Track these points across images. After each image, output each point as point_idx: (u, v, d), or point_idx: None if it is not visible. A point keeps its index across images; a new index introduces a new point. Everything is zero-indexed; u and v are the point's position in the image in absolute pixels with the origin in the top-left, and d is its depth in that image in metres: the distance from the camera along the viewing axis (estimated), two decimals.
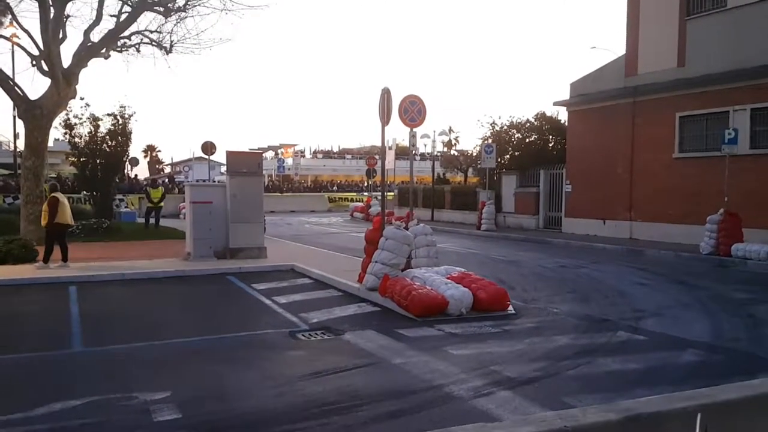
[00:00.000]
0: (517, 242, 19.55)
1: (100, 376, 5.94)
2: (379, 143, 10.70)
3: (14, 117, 33.38)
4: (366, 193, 38.99)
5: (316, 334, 7.54)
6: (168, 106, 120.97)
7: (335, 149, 77.86)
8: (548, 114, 26.62)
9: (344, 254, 14.80)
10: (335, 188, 49.80)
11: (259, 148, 56.47)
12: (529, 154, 24.97)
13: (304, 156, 71.45)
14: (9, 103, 30.61)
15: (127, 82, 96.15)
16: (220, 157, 38.44)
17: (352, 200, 39.48)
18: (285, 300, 9.54)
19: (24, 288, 10.63)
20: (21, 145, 38.75)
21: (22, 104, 15.75)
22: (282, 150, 69.72)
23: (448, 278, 9.02)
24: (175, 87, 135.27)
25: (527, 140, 26.24)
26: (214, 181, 26.33)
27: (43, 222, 12.38)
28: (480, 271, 10.28)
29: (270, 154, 65.69)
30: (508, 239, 20.40)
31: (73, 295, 9.94)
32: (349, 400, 5.17)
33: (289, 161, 65.48)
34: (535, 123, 26.46)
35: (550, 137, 26.06)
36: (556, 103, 22.92)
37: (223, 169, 53.02)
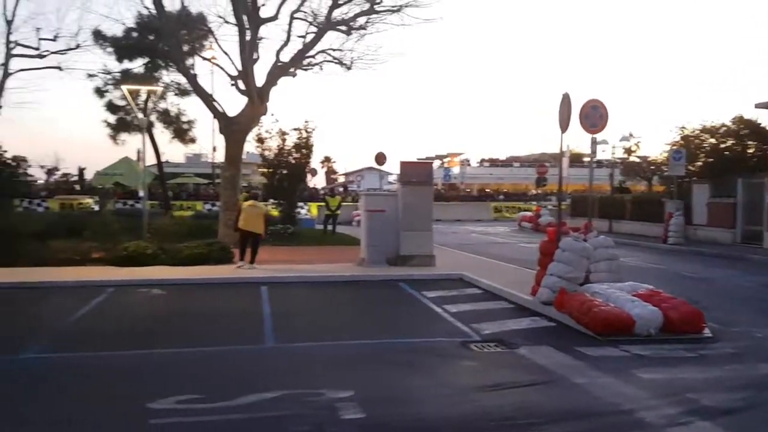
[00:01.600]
0: (709, 258, 17.72)
1: (289, 371, 6.39)
2: (550, 150, 10.34)
3: (213, 131, 37.59)
4: (534, 203, 37.89)
5: (488, 345, 7.44)
6: (341, 119, 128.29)
7: (502, 157, 76.80)
8: (747, 117, 23.93)
9: (513, 265, 14.48)
10: (501, 197, 49.08)
11: (426, 158, 57.38)
12: (724, 161, 22.60)
13: (469, 165, 71.37)
14: (208, 119, 34.33)
15: (305, 97, 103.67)
16: (389, 167, 39.59)
17: (519, 209, 38.59)
18: (455, 309, 9.55)
19: (222, 286, 11.81)
20: (219, 156, 43.53)
21: (222, 120, 17.58)
22: (448, 159, 70.27)
23: (634, 295, 8.41)
24: (347, 100, 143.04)
25: (722, 146, 23.77)
26: (383, 191, 27.28)
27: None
28: (667, 289, 9.45)
29: (436, 163, 66.59)
30: (700, 254, 18.56)
31: (264, 294, 10.83)
32: (526, 417, 5.02)
33: (455, 170, 65.75)
34: (732, 127, 23.89)
35: (749, 143, 23.37)
36: (758, 105, 20.49)
37: (392, 178, 54.56)
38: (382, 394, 5.63)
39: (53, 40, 18.24)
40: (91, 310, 9.41)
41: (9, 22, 17.28)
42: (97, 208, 28.55)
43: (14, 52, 17.63)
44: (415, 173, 14.34)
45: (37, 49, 18.13)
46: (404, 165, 14.61)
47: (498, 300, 10.48)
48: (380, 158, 24.83)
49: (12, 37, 17.46)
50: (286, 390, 5.56)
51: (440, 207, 35.73)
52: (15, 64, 17.77)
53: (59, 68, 19.00)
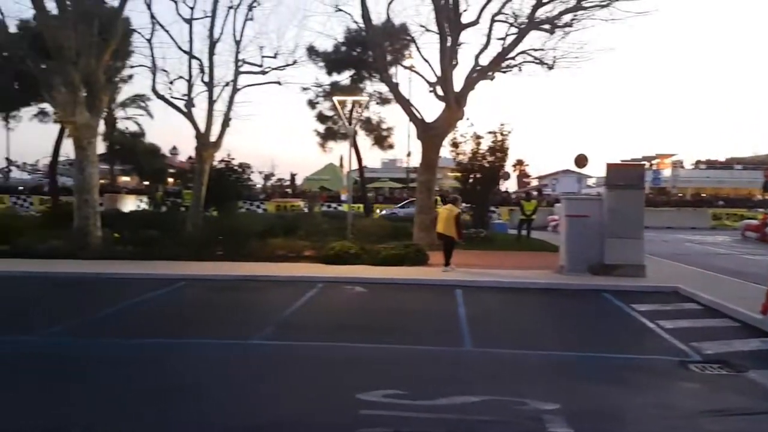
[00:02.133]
0: None
1: (488, 376, 6.33)
2: None
3: (408, 136, 38.91)
4: (761, 210, 33.32)
5: (711, 367, 6.67)
6: (535, 120, 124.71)
7: (721, 158, 68.82)
8: None
9: (737, 279, 12.86)
10: (721, 203, 43.94)
11: (632, 160, 53.46)
12: None
13: (683, 167, 65.05)
14: (404, 126, 35.65)
15: (499, 99, 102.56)
16: (588, 169, 37.61)
17: (742, 217, 34.21)
18: (671, 325, 8.72)
19: (419, 287, 12.11)
20: (413, 161, 44.96)
21: (420, 126, 18.11)
22: (657, 161, 64.80)
23: None
24: (542, 100, 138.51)
25: None
26: (582, 195, 25.93)
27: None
28: None
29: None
30: None
31: (459, 297, 10.90)
32: None
33: (666, 173, 60.44)
34: None
35: None
36: None
37: (591, 181, 51.66)
38: (590, 410, 5.32)
39: (274, 57, 20.25)
40: (305, 303, 10.25)
41: (237, 43, 19.54)
42: (306, 210, 31.13)
43: (241, 69, 19.85)
44: (624, 176, 13.42)
45: (260, 66, 20.24)
46: (611, 167, 13.75)
47: (720, 317, 9.38)
48: (581, 160, 23.70)
49: (240, 56, 19.66)
50: (488, 395, 5.51)
51: (649, 213, 32.93)
52: (242, 80, 19.98)
53: (278, 83, 21.02)
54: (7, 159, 47.26)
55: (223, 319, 9.22)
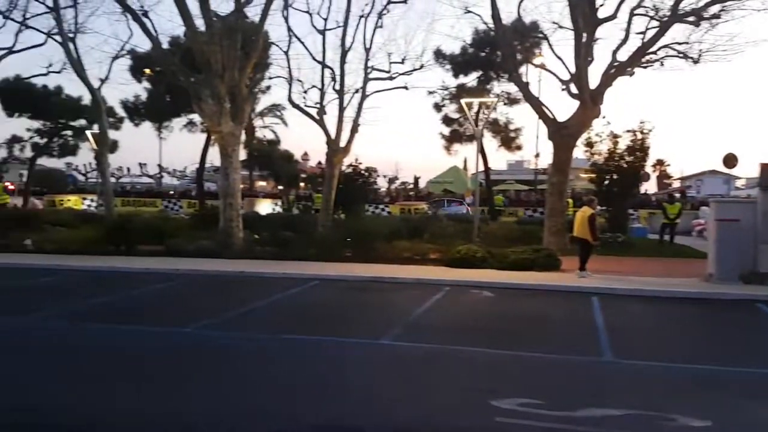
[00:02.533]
0: None
1: (631, 389, 5.95)
2: None
3: (536, 137, 37.75)
4: None
5: None
6: (677, 117, 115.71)
7: None
8: None
9: None
10: None
11: None
12: None
13: None
14: (532, 127, 34.62)
15: (637, 96, 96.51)
16: (737, 170, 34.43)
17: None
18: None
19: (551, 293, 11.70)
20: (542, 163, 43.62)
21: (552, 126, 17.51)
22: None
23: None
24: (685, 96, 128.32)
25: None
26: (730, 197, 23.74)
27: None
28: None
29: None
30: None
31: (595, 304, 10.38)
32: None
33: None
34: None
35: None
36: None
37: (740, 183, 47.16)
38: (745, 429, 4.82)
39: (401, 62, 20.58)
40: (432, 305, 10.26)
41: (367, 50, 20.06)
42: (430, 213, 31.26)
43: (370, 76, 20.35)
44: None
45: (388, 71, 20.64)
46: (766, 167, 12.47)
47: None
48: (730, 160, 21.75)
49: (369, 63, 20.18)
50: (631, 409, 5.18)
51: None
52: (370, 86, 20.48)
53: (405, 88, 21.32)
54: (159, 166, 51.90)
55: (354, 318, 9.47)
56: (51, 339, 7.82)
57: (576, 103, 17.11)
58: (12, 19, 21.91)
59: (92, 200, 38.40)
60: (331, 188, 20.62)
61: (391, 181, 49.71)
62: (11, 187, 35.69)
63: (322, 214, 20.39)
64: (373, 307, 10.46)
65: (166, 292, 11.59)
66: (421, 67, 20.82)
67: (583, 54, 16.34)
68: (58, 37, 20.99)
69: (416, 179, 52.72)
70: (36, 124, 32.02)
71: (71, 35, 20.97)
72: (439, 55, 25.94)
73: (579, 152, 21.52)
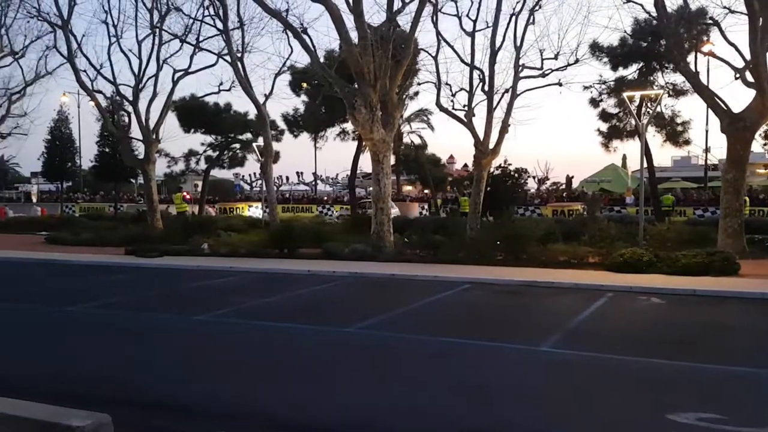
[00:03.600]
0: None
1: None
2: None
3: (705, 131, 34.57)
4: None
5: None
6: None
7: None
8: None
9: None
10: None
11: None
12: None
13: None
14: (700, 120, 31.58)
15: None
16: None
17: None
18: None
19: (728, 300, 10.62)
20: (713, 159, 39.84)
21: (725, 118, 15.92)
22: None
23: None
24: None
25: None
26: None
27: None
28: None
29: None
30: None
31: None
32: None
33: None
34: None
35: None
36: None
37: None
38: None
39: (554, 58, 19.85)
40: (594, 312, 9.75)
41: (518, 48, 19.61)
42: (585, 214, 29.83)
43: (521, 74, 19.87)
44: None
45: (540, 69, 20.03)
46: None
47: None
48: None
49: (520, 61, 19.70)
50: None
51: None
52: (521, 85, 20.00)
53: (559, 84, 20.53)
54: (314, 174, 54.76)
55: (509, 323, 9.29)
56: (227, 334, 8.55)
57: (752, 93, 15.43)
58: (188, 43, 24.39)
59: (257, 207, 41.53)
60: (479, 191, 20.45)
61: (542, 181, 48.10)
62: (188, 196, 39.64)
63: (471, 217, 20.27)
64: (529, 312, 10.19)
65: (326, 293, 12.18)
66: (576, 61, 19.92)
67: (760, 39, 14.67)
68: (227, 58, 22.98)
69: (569, 179, 50.54)
70: (209, 138, 35.32)
71: (239, 55, 22.86)
72: (595, 48, 24.62)
73: (756, 146, 19.40)
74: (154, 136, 24.40)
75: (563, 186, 48.99)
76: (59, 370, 6.56)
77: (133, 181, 43.30)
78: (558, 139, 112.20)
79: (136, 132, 25.24)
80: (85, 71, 24.32)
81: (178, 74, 24.70)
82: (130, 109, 25.26)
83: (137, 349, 7.68)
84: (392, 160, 18.43)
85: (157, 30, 23.73)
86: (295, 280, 13.43)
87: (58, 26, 23.99)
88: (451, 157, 60.26)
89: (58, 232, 23.30)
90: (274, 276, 14.23)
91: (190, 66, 24.74)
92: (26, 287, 12.85)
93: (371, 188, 19.99)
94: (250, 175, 51.20)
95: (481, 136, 20.23)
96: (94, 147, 40.27)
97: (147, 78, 24.36)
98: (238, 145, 35.84)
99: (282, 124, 35.23)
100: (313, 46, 18.23)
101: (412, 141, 44.18)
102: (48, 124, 38.97)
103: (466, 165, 53.25)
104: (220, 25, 22.66)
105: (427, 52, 21.32)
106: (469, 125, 20.35)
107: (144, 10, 23.62)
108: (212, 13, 22.95)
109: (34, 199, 52.60)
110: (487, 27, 19.84)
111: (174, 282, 13.56)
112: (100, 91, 25.97)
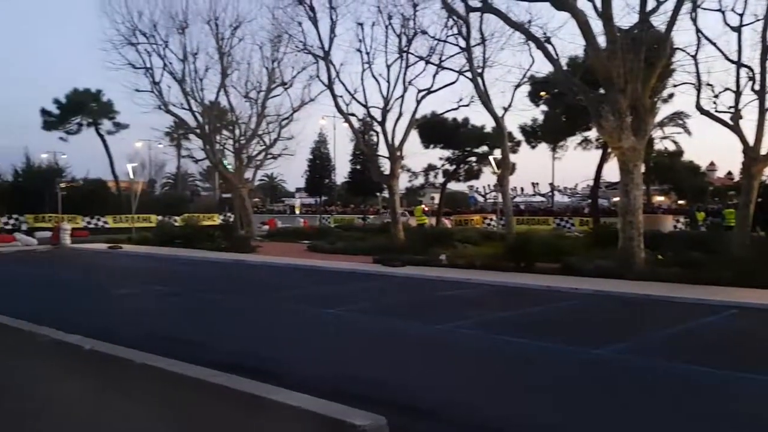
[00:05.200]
0: None
1: None
2: None
3: None
4: None
5: None
6: None
7: None
8: None
9: None
10: None
11: None
12: None
13: None
14: None
15: None
16: None
17: None
18: None
19: None
20: None
21: None
22: None
23: None
24: None
25: None
26: None
27: None
28: None
29: None
30: None
31: None
32: None
33: None
34: None
35: None
36: None
37: None
38: None
39: None
40: None
41: None
42: None
43: None
44: None
45: None
46: None
47: None
48: None
49: None
50: None
51: None
52: None
53: None
54: (551, 185, 53.23)
55: None
56: (468, 345, 8.63)
57: None
58: (432, 63, 25.55)
59: (491, 219, 41.73)
60: (748, 202, 17.95)
61: None
62: (426, 208, 41.46)
63: (738, 232, 17.84)
64: None
65: (567, 310, 11.66)
66: None
67: None
68: (468, 74, 23.58)
69: None
70: (447, 153, 36.56)
71: (479, 70, 23.29)
72: None
73: None
74: (398, 153, 25.97)
75: None
76: (333, 367, 7.26)
77: (378, 194, 46.69)
78: None
79: (382, 150, 27.15)
80: (341, 96, 26.90)
81: (421, 93, 26.02)
82: (378, 129, 27.28)
83: (386, 353, 8.17)
84: (642, 168, 16.91)
85: (404, 54, 25.29)
86: (532, 295, 13.11)
87: (321, 57, 26.94)
88: (712, 164, 53.91)
89: (317, 241, 26.04)
90: (510, 290, 14.06)
91: (432, 85, 25.90)
92: (294, 290, 14.50)
93: (617, 199, 18.72)
94: (483, 186, 51.77)
95: (751, 140, 17.81)
96: (347, 164, 44.55)
97: (394, 99, 26.08)
98: (474, 158, 36.49)
99: (519, 135, 35.00)
100: (556, 55, 17.76)
101: (665, 147, 40.54)
102: (309, 145, 44.10)
103: (730, 173, 47.27)
104: (462, 43, 23.36)
105: (684, 51, 19.48)
106: (736, 129, 18.06)
107: (393, 36, 25.39)
108: (455, 32, 23.77)
109: (297, 212, 59.84)
110: (756, 20, 17.58)
111: (415, 291, 14.19)
112: (353, 114, 28.51)
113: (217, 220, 44.29)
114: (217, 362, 6.85)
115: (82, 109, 46.89)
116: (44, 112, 47.07)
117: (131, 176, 37.30)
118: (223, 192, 52.19)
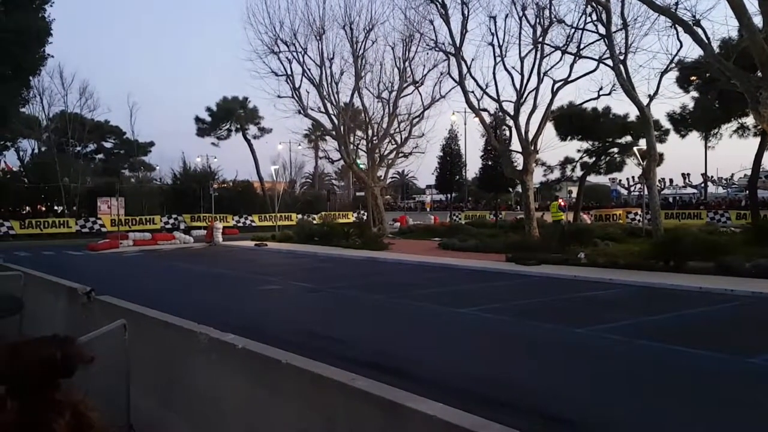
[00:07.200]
0: None
1: None
2: None
3: None
4: None
5: None
6: None
7: None
8: None
9: None
10: None
11: None
12: None
13: None
14: None
15: None
16: None
17: None
18: None
19: None
20: None
21: None
22: None
23: None
24: None
25: None
26: None
27: None
28: None
29: None
30: None
31: None
32: None
33: None
34: None
35: None
36: None
37: None
38: None
39: None
40: None
41: None
42: None
43: None
44: None
45: None
46: None
47: None
48: None
49: None
50: None
51: None
52: None
53: None
54: (703, 175, 48.94)
55: None
56: (612, 352, 8.21)
57: None
58: (568, 53, 24.50)
59: (635, 214, 39.26)
60: None
61: None
62: (563, 203, 39.86)
63: None
64: None
65: (722, 315, 10.73)
66: None
67: None
68: (608, 62, 22.31)
69: None
70: (585, 144, 34.87)
71: (621, 57, 21.96)
72: None
73: None
74: (532, 147, 25.25)
75: None
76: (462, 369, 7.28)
77: (511, 190, 45.67)
78: None
79: (515, 144, 26.55)
80: (472, 92, 26.69)
81: (557, 84, 25.07)
82: (510, 123, 26.69)
83: (525, 357, 8.01)
84: None
85: (539, 45, 24.51)
86: (683, 298, 12.20)
87: (452, 54, 26.89)
88: None
89: (449, 238, 26.03)
90: (658, 291, 13.16)
91: (569, 75, 24.86)
92: (426, 289, 14.60)
93: None
94: (627, 179, 48.75)
95: None
96: (477, 160, 44.10)
97: (528, 92, 25.38)
98: (616, 150, 34.53)
99: (666, 124, 32.53)
100: (707, 38, 16.31)
101: None
102: (440, 141, 44.19)
103: None
104: (602, 29, 22.17)
105: None
106: None
107: (527, 27, 24.71)
108: (594, 19, 22.62)
109: (428, 208, 60.21)
110: None
111: (551, 291, 13.72)
112: (485, 109, 28.16)
113: (351, 217, 45.77)
114: (360, 360, 7.16)
115: (230, 115, 50.45)
116: (198, 119, 51.25)
117: (274, 177, 39.71)
118: (357, 190, 53.88)
